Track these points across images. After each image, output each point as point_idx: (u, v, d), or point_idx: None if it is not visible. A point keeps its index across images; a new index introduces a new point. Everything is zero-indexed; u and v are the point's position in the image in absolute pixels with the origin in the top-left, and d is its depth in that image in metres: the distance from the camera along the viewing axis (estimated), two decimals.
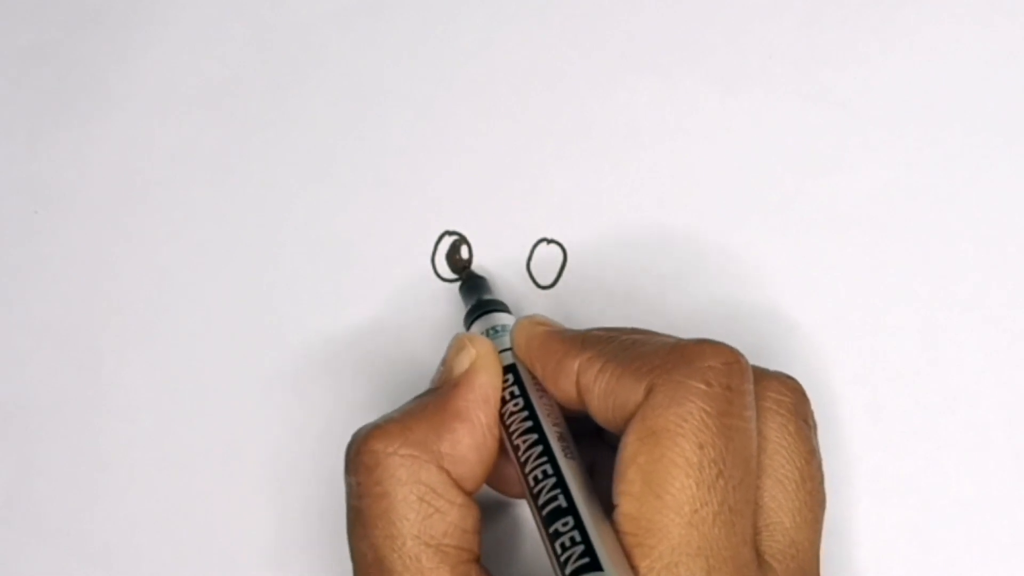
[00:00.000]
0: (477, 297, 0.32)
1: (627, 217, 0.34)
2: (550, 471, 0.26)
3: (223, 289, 0.36)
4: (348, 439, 0.27)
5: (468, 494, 0.27)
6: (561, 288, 0.34)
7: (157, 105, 0.37)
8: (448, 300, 0.34)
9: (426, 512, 0.26)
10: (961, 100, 0.34)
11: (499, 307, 0.31)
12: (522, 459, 0.26)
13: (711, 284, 0.33)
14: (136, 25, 0.38)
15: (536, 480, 0.26)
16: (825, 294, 0.33)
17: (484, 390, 0.28)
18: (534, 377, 0.28)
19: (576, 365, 0.27)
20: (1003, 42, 0.34)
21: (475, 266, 0.35)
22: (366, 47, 0.37)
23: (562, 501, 0.25)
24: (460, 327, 0.33)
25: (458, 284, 0.33)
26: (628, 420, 0.25)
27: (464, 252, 0.35)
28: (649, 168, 0.34)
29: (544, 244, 0.34)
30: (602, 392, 0.26)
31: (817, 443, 0.27)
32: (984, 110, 0.33)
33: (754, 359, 0.27)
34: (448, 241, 0.35)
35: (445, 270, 0.35)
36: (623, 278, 0.34)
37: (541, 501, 0.25)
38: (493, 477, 0.29)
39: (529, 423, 0.27)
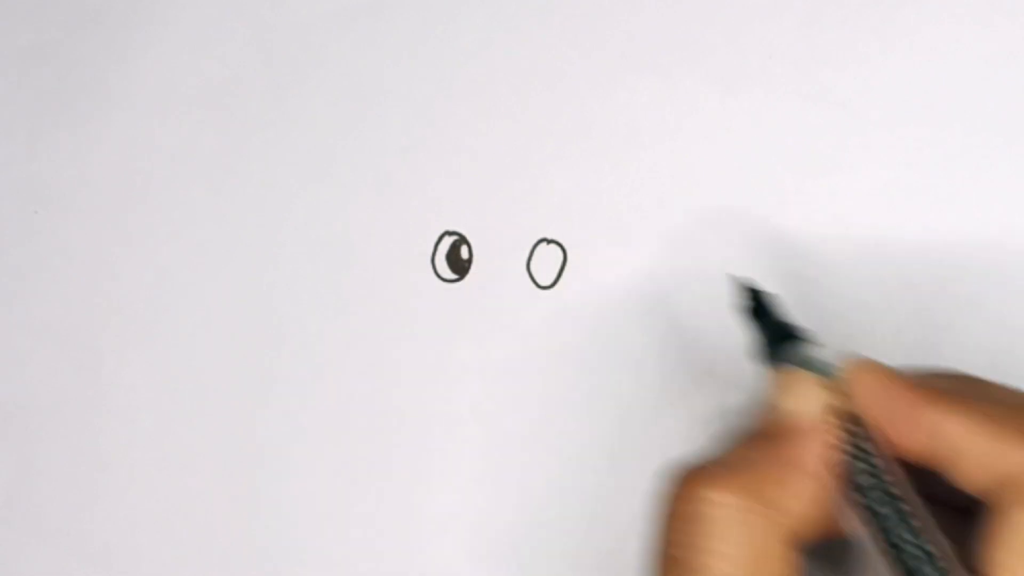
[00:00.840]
0: (782, 323, 0.28)
1: (627, 217, 0.34)
2: (909, 537, 0.24)
3: (223, 289, 0.36)
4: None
5: (799, 552, 0.25)
6: (561, 288, 0.34)
7: (157, 105, 0.37)
8: (447, 300, 0.34)
9: (755, 573, 0.24)
10: (961, 100, 0.34)
11: (807, 335, 0.27)
12: (871, 518, 0.24)
13: (711, 283, 0.33)
14: (136, 25, 0.38)
15: (893, 545, 0.24)
16: (825, 293, 0.33)
17: (824, 440, 0.25)
18: (875, 429, 0.25)
19: (937, 419, 0.24)
20: (1003, 42, 0.34)
21: (475, 266, 0.35)
22: (366, 47, 0.37)
23: (929, 571, 0.23)
24: (458, 328, 0.34)
25: (744, 305, 0.29)
26: (1010, 486, 0.23)
27: (464, 252, 0.35)
28: (649, 168, 0.34)
29: (544, 244, 0.34)
30: (976, 453, 0.24)
31: None
32: (984, 110, 0.33)
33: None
34: (448, 241, 0.35)
35: (445, 270, 0.35)
36: (623, 278, 0.34)
37: (907, 567, 0.23)
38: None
39: (879, 481, 0.24)
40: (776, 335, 0.27)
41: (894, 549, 0.24)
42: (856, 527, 0.25)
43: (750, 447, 0.25)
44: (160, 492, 0.35)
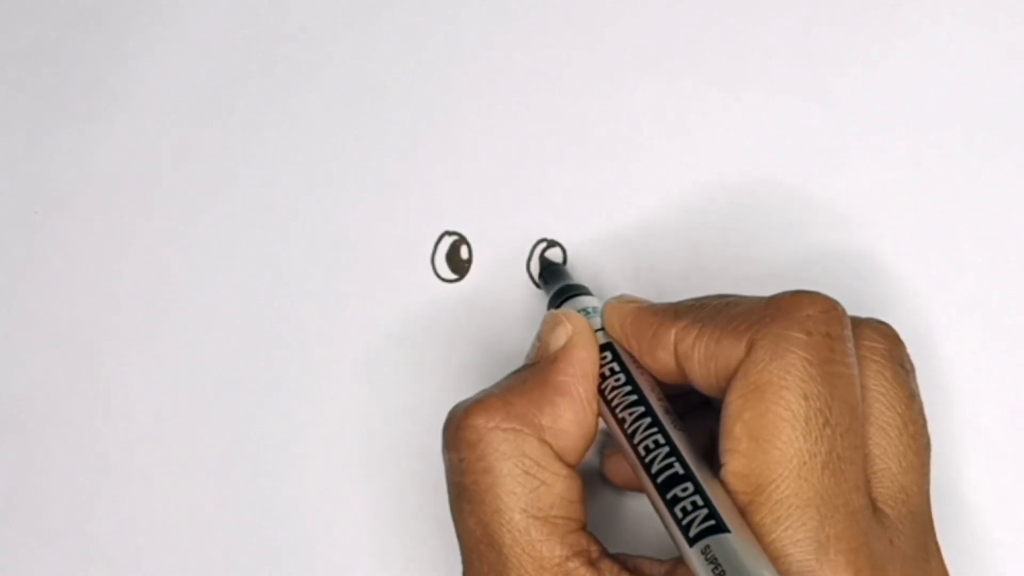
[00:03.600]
0: (560, 283, 0.32)
1: (627, 217, 0.34)
2: (662, 440, 0.26)
3: (223, 289, 0.36)
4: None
5: (570, 466, 0.27)
6: None
7: (157, 105, 0.37)
8: (447, 300, 0.34)
9: (532, 485, 0.26)
10: (961, 100, 0.34)
11: (583, 291, 0.31)
12: (629, 431, 0.27)
13: (711, 284, 0.33)
14: (136, 25, 0.38)
15: (648, 450, 0.26)
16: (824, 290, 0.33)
17: (583, 365, 0.28)
18: (630, 354, 0.28)
19: (672, 335, 0.27)
20: (1003, 42, 0.34)
21: (475, 266, 0.35)
22: (366, 47, 0.37)
23: (678, 468, 0.25)
24: (458, 328, 0.34)
25: (538, 274, 0.34)
26: (731, 380, 0.25)
27: (464, 252, 0.35)
28: (649, 168, 0.34)
29: (544, 244, 0.34)
30: (702, 357, 0.26)
31: (916, 386, 0.27)
32: (984, 110, 0.33)
33: None
34: (448, 241, 0.35)
35: (445, 270, 0.35)
36: (623, 278, 0.34)
37: (655, 469, 0.26)
38: (609, 471, 0.30)
39: (633, 396, 0.27)
40: (559, 292, 0.32)
41: (636, 446, 0.26)
42: (612, 431, 0.27)
43: (517, 377, 0.28)
44: (160, 492, 0.35)
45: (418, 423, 0.34)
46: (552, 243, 0.34)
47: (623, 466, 0.30)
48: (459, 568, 0.27)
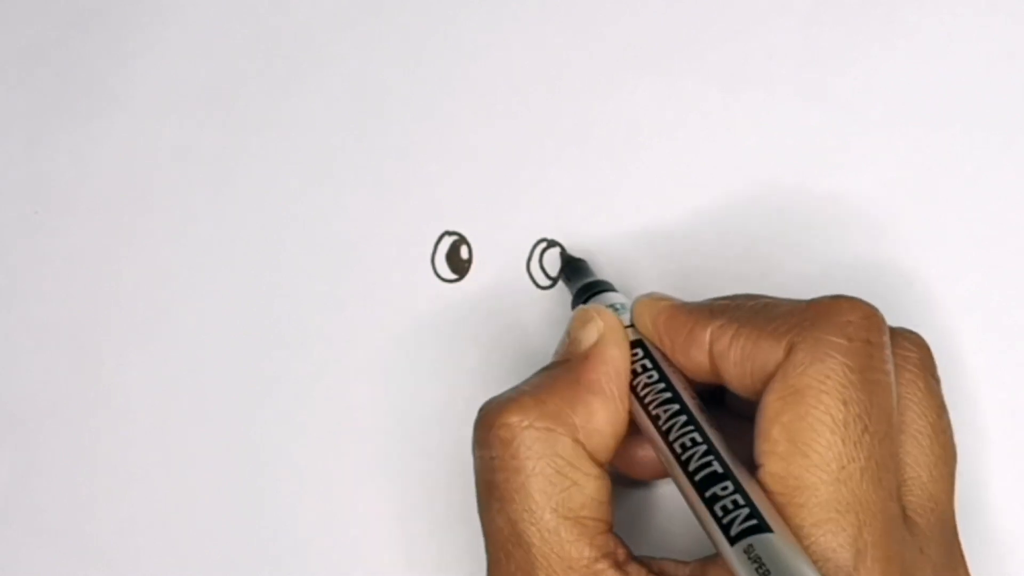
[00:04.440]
0: (585, 279, 0.32)
1: (627, 217, 0.34)
2: (699, 439, 0.26)
3: (223, 289, 0.36)
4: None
5: (601, 466, 0.27)
6: (561, 288, 0.34)
7: (157, 105, 0.37)
8: (447, 300, 0.34)
9: (564, 485, 0.26)
10: (961, 100, 0.34)
11: (608, 287, 0.31)
12: (664, 428, 0.26)
13: (712, 285, 0.33)
14: (136, 25, 0.38)
15: (684, 448, 0.26)
16: (825, 291, 0.33)
17: (615, 363, 0.27)
18: (660, 351, 0.28)
19: (708, 334, 0.27)
20: (1003, 42, 0.34)
21: (475, 266, 0.35)
22: (366, 47, 0.37)
23: (717, 467, 0.25)
24: (458, 328, 0.34)
25: (559, 270, 0.34)
26: (767, 382, 0.25)
27: (464, 252, 0.35)
28: (649, 168, 0.34)
29: (544, 244, 0.34)
30: (739, 357, 0.26)
31: (943, 398, 0.27)
32: (984, 110, 0.33)
33: None
34: (448, 241, 0.35)
35: (445, 270, 0.35)
36: (623, 278, 0.34)
37: (692, 467, 0.25)
38: (620, 460, 0.29)
39: (668, 394, 0.27)
40: (584, 288, 0.31)
41: (672, 443, 0.26)
42: (645, 428, 0.27)
43: (548, 375, 0.28)
44: (160, 492, 0.35)
45: (418, 422, 0.34)
46: (552, 243, 0.34)
47: (626, 452, 0.30)
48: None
